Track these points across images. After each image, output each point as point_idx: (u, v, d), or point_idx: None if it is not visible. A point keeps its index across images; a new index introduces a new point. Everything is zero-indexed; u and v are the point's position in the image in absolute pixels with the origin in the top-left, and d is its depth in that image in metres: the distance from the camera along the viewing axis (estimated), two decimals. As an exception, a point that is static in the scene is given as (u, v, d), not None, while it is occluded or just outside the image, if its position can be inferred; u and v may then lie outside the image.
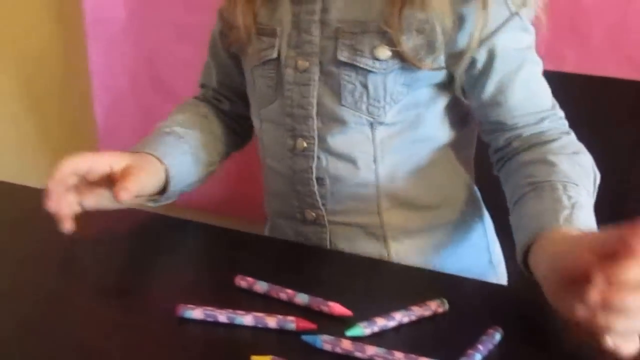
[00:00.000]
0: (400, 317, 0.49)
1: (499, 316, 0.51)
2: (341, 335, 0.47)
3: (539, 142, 0.63)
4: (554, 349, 0.48)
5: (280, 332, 0.48)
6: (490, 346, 0.47)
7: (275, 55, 0.68)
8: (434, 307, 0.51)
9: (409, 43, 0.61)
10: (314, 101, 0.66)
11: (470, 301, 0.53)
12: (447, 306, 0.51)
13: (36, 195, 0.63)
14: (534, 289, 0.50)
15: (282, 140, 0.69)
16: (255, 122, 0.74)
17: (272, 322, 0.49)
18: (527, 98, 0.64)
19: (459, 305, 0.52)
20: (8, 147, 1.42)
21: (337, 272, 0.60)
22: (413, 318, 0.50)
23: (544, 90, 0.65)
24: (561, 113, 0.66)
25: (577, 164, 0.60)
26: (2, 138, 1.42)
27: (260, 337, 0.49)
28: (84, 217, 0.62)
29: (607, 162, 0.63)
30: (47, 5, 1.28)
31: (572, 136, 0.64)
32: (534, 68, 0.65)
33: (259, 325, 0.49)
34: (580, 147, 0.63)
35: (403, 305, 0.50)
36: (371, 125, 0.65)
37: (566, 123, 0.65)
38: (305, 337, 0.47)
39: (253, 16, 0.68)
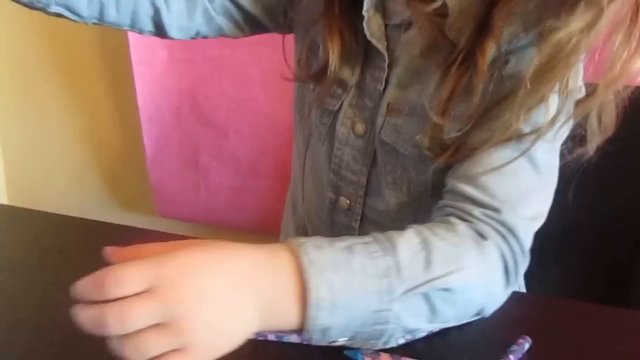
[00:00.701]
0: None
1: (529, 325, 0.54)
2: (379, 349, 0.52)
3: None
4: (584, 358, 0.52)
5: (324, 349, 0.53)
6: (520, 355, 0.51)
7: (336, 107, 0.67)
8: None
9: (451, 133, 0.59)
10: (366, 170, 0.66)
11: (499, 310, 0.57)
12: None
13: (87, 227, 0.67)
14: (563, 298, 0.54)
15: (321, 190, 0.70)
16: (299, 147, 0.74)
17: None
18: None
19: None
20: (60, 178, 1.52)
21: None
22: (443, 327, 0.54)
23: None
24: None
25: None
26: (55, 170, 1.51)
27: (305, 353, 0.54)
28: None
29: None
30: (97, 53, 1.38)
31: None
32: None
33: (305, 342, 0.54)
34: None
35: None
36: (414, 202, 0.64)
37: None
38: (347, 353, 0.52)
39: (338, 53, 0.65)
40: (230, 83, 1.18)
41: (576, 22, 0.53)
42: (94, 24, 0.70)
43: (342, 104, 0.67)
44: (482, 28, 0.58)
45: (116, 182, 1.48)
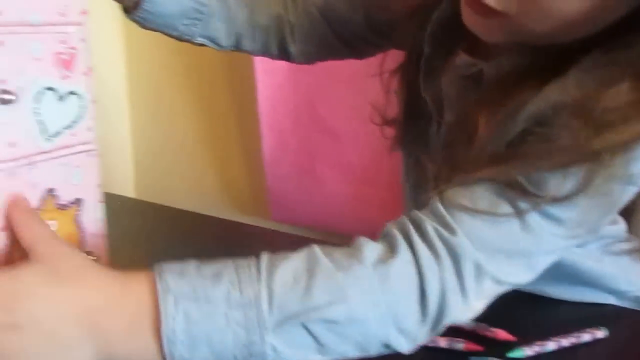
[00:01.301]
0: (559, 341, 0.53)
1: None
2: (504, 357, 0.52)
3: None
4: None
5: (449, 352, 0.54)
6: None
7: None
8: (593, 332, 0.54)
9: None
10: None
11: (629, 331, 0.55)
12: (606, 333, 0.54)
13: (215, 224, 0.73)
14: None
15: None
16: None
17: (442, 342, 0.55)
18: None
19: (617, 334, 0.54)
20: (182, 178, 1.61)
21: (501, 303, 0.63)
22: (573, 341, 0.53)
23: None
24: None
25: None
26: (178, 170, 1.61)
27: (430, 356, 0.54)
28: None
29: None
30: (223, 62, 1.45)
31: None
32: None
33: (430, 344, 0.55)
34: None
35: (563, 331, 0.54)
36: None
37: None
38: (472, 359, 0.53)
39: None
40: (348, 90, 1.20)
41: None
42: (231, 50, 0.80)
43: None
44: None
45: (233, 185, 1.55)
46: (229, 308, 0.45)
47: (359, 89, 1.22)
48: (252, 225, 1.33)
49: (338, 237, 1.30)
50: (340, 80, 1.22)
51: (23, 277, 0.45)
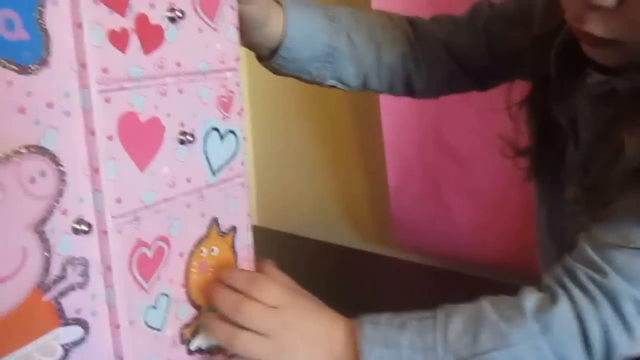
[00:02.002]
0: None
1: None
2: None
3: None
4: None
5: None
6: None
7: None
8: None
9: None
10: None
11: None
12: None
13: (338, 252, 0.77)
14: None
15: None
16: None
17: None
18: None
19: None
20: (305, 206, 1.67)
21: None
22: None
23: None
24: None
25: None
26: (301, 198, 1.67)
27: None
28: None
29: None
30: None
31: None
32: None
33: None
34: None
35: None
36: None
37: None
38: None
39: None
40: (477, 116, 1.21)
41: None
42: (359, 90, 0.85)
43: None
44: None
45: (357, 212, 1.59)
46: (413, 352, 0.57)
47: (487, 116, 1.23)
48: (376, 253, 1.37)
49: (464, 264, 1.31)
50: (468, 107, 1.24)
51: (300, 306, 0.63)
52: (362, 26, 0.81)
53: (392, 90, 0.88)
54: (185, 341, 0.65)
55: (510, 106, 0.79)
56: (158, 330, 0.62)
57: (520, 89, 0.80)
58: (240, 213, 0.70)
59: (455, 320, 0.59)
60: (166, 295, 0.62)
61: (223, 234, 0.68)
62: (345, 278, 0.66)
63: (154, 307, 0.61)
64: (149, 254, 0.59)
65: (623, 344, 0.55)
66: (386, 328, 0.59)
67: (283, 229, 1.56)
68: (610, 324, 0.55)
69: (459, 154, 1.28)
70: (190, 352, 0.66)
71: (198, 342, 0.66)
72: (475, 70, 0.85)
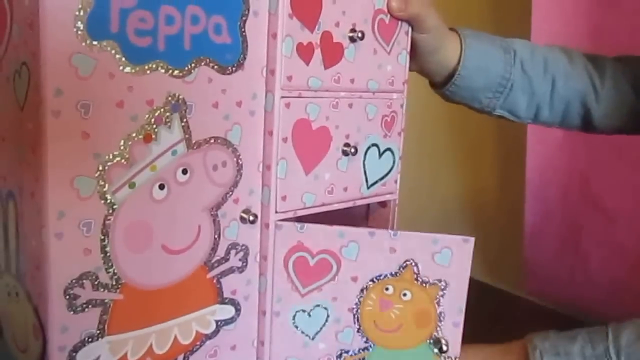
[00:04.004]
0: None
1: None
2: None
3: None
4: None
5: None
6: None
7: None
8: None
9: None
10: None
11: None
12: None
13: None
14: None
15: None
16: None
17: None
18: None
19: None
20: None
21: None
22: None
23: None
24: None
25: None
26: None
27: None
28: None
29: None
30: (495, 126, 1.54)
31: None
32: None
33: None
34: None
35: None
36: None
37: None
38: None
39: None
40: (628, 169, 1.20)
41: None
42: (528, 122, 0.87)
43: None
44: None
45: (490, 251, 1.60)
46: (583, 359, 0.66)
47: (640, 168, 1.22)
48: (506, 291, 1.37)
49: (593, 322, 1.29)
50: (619, 159, 1.22)
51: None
52: (536, 58, 0.84)
53: (563, 123, 0.90)
54: (343, 365, 0.69)
55: None
56: (309, 337, 0.67)
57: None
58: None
59: (627, 331, 0.67)
60: (325, 309, 0.67)
61: (424, 285, 0.67)
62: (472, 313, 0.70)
63: (308, 315, 0.67)
64: (311, 261, 0.66)
65: None
66: (555, 339, 0.68)
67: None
68: None
69: (605, 204, 1.27)
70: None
71: None
72: None
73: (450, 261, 0.66)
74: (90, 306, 0.53)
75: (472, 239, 0.66)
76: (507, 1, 1.45)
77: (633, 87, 0.84)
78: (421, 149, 1.73)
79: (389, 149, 0.73)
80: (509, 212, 1.53)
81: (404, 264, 0.65)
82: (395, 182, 0.75)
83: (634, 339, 0.66)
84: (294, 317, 0.66)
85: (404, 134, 0.75)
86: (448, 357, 0.66)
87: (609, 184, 1.28)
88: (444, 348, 0.65)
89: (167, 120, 0.55)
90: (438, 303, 0.66)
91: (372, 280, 0.65)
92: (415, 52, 0.75)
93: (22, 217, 0.53)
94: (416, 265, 0.65)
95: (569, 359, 0.66)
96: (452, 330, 0.66)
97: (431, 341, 0.66)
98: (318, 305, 0.66)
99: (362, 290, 0.66)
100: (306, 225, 0.64)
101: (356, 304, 0.66)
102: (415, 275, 0.66)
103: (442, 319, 0.66)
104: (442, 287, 0.66)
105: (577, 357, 0.66)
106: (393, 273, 0.65)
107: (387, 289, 0.66)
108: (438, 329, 0.66)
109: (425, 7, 0.72)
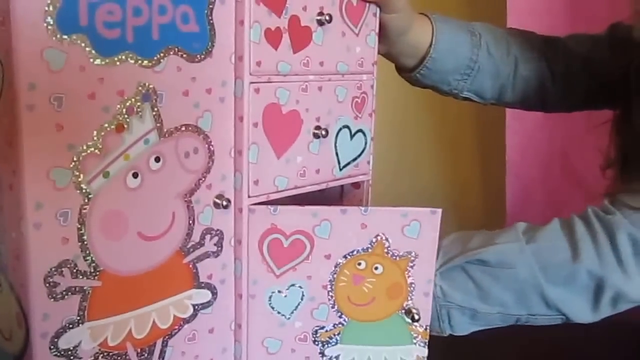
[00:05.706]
0: None
1: None
2: None
3: None
4: None
5: None
6: None
7: None
8: None
9: None
10: None
11: None
12: None
13: None
14: None
15: None
16: None
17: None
18: None
19: None
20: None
21: None
22: None
23: None
24: None
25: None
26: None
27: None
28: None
29: None
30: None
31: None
32: None
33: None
34: None
35: None
36: None
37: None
38: None
39: None
40: (607, 142, 1.25)
41: None
42: (491, 104, 0.94)
43: None
44: None
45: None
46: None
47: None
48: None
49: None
50: (599, 132, 1.28)
51: None
52: (500, 41, 0.89)
53: (524, 103, 0.96)
54: (319, 342, 0.73)
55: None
56: (285, 317, 0.72)
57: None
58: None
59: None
60: (300, 288, 0.72)
61: (394, 258, 0.72)
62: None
63: (284, 295, 0.71)
64: (285, 242, 0.70)
65: (617, 279, 0.67)
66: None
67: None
68: (603, 255, 0.68)
69: (587, 181, 1.32)
70: (322, 355, 0.74)
71: (337, 352, 0.73)
72: (612, 86, 0.92)
73: (419, 233, 0.71)
74: (70, 293, 0.58)
75: (440, 210, 0.71)
76: None
77: (584, 67, 0.91)
78: (396, 129, 1.77)
79: (360, 130, 0.78)
80: (489, 193, 1.58)
81: (375, 239, 0.71)
82: (368, 162, 0.80)
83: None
84: (269, 298, 0.71)
85: (375, 115, 0.79)
86: (420, 326, 0.71)
87: (590, 159, 1.33)
88: (416, 317, 0.71)
89: (139, 110, 0.59)
90: (408, 274, 0.71)
91: (344, 257, 0.70)
92: (383, 33, 0.79)
93: (1, 210, 0.58)
94: (387, 239, 0.70)
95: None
96: (423, 300, 0.72)
97: (403, 311, 0.72)
98: (293, 285, 0.71)
99: (335, 267, 0.71)
100: (279, 207, 0.68)
101: (330, 281, 0.71)
102: (386, 249, 0.71)
103: (412, 289, 0.72)
104: (412, 258, 0.71)
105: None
106: (365, 248, 0.71)
107: (359, 264, 0.71)
108: (409, 299, 0.72)
109: None
